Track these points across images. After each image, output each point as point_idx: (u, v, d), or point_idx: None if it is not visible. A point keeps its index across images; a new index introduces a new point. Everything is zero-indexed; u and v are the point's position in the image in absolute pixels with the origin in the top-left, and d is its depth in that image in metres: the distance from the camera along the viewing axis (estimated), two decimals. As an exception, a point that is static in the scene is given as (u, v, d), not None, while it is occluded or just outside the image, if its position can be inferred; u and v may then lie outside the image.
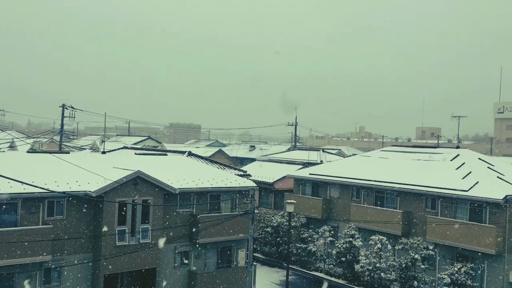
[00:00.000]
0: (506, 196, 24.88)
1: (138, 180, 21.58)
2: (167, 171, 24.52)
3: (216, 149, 71.58)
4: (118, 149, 38.45)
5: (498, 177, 27.71)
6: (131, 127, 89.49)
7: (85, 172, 20.85)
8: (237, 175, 29.07)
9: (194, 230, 23.74)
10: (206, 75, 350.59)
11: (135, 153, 29.44)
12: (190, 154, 31.58)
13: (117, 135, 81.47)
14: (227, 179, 25.73)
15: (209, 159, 33.21)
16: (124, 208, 21.40)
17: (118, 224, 21.18)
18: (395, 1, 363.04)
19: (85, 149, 54.34)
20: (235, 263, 25.92)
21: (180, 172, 25.16)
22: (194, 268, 24.31)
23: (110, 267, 20.89)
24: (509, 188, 26.13)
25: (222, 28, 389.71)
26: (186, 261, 24.18)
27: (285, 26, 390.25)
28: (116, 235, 21.03)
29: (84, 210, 20.83)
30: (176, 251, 23.82)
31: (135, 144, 56.75)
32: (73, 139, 66.62)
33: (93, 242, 21.04)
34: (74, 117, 42.48)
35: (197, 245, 24.27)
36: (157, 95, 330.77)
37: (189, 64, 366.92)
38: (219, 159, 56.30)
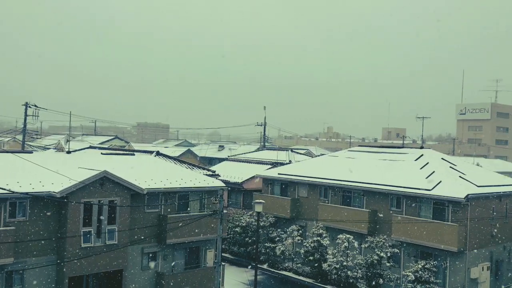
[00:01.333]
0: (468, 195, 25.67)
1: (104, 180, 21.21)
2: (135, 171, 24.20)
3: (185, 149, 71.09)
4: (84, 148, 37.70)
5: (460, 176, 28.58)
6: (97, 126, 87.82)
7: (49, 172, 20.34)
8: (206, 175, 28.96)
9: (162, 230, 23.52)
10: (174, 74, 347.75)
11: (102, 153, 28.93)
12: (158, 154, 31.25)
13: (83, 134, 79.87)
14: (195, 179, 25.60)
15: (178, 159, 32.95)
16: (90, 209, 20.99)
17: (84, 225, 20.77)
18: (372, 3, 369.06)
19: (49, 148, 53.05)
20: (203, 264, 25.81)
21: (148, 172, 24.88)
22: (162, 269, 24.07)
23: (75, 269, 20.46)
24: (471, 187, 26.99)
25: (195, 28, 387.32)
26: (153, 262, 23.91)
27: (256, 25, 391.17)
28: (82, 237, 20.61)
29: (48, 212, 20.31)
30: (144, 252, 23.52)
31: (101, 143, 55.80)
32: (37, 138, 64.87)
33: (57, 244, 20.55)
34: (38, 116, 41.43)
35: (165, 246, 24.05)
36: (125, 94, 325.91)
37: (157, 63, 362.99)
38: (187, 159, 55.92)
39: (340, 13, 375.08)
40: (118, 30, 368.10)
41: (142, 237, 23.02)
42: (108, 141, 62.07)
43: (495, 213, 27.89)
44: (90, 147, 40.26)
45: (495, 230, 27.99)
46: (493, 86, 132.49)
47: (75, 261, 20.25)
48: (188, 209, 25.13)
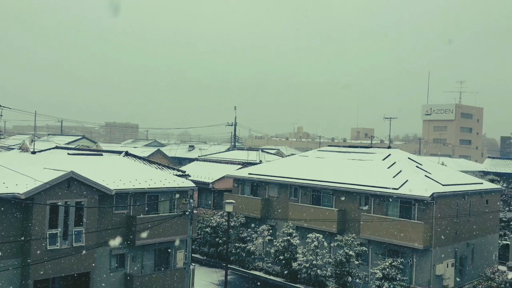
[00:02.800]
0: (433, 193, 26.35)
1: (71, 181, 20.77)
2: (103, 171, 23.79)
3: (155, 149, 70.43)
4: (50, 149, 36.78)
5: (425, 175, 29.29)
6: (64, 126, 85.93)
7: (13, 173, 19.77)
8: (176, 175, 28.74)
9: (131, 232, 23.21)
10: (144, 74, 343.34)
11: (68, 153, 28.32)
12: (127, 154, 30.81)
13: (49, 134, 78.07)
14: (165, 179, 25.37)
15: (147, 159, 32.56)
16: (56, 211, 20.50)
17: (50, 227, 20.27)
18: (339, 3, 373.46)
19: (13, 149, 51.49)
20: (173, 265, 25.61)
21: (117, 172, 24.50)
22: (130, 271, 23.76)
23: (40, 272, 19.94)
24: (436, 186, 27.71)
25: (165, 25, 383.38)
26: (122, 264, 23.58)
27: (226, 25, 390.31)
28: (48, 239, 20.10)
29: (13, 213, 19.72)
30: (112, 254, 23.15)
31: (68, 144, 54.73)
32: (0, 138, 63.00)
33: (22, 246, 19.98)
34: (1, 115, 40.18)
35: (134, 247, 23.75)
36: (93, 93, 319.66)
37: (127, 62, 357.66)
38: (157, 159, 55.42)
39: (312, 15, 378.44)
40: (88, 25, 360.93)
41: (111, 239, 22.64)
42: (75, 141, 60.99)
43: (459, 211, 28.73)
44: (57, 147, 39.32)
45: (459, 228, 28.83)
46: (458, 88, 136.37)
47: (41, 264, 19.75)
48: (158, 209, 24.87)
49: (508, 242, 35.25)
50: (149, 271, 24.49)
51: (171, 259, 25.62)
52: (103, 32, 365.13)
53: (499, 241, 34.61)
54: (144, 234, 23.20)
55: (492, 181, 42.49)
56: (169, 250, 25.54)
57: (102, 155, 29.80)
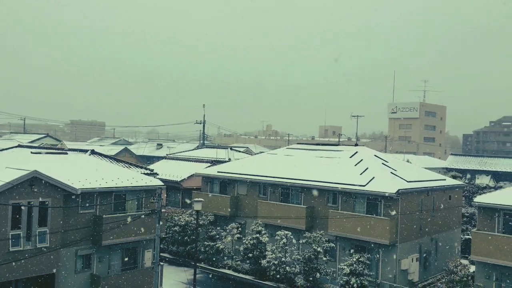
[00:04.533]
0: (399, 190, 26.93)
1: (35, 181, 20.21)
2: (68, 170, 23.27)
3: (122, 147, 69.41)
4: (12, 147, 35.59)
5: (391, 172, 29.89)
6: (27, 124, 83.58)
7: (-28, 173, 19.07)
8: (144, 174, 28.37)
9: (97, 231, 22.77)
10: (111, 71, 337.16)
11: (32, 152, 27.50)
12: (93, 152, 30.19)
13: (11, 132, 75.77)
14: (133, 178, 25.01)
15: (114, 158, 32.01)
16: (19, 211, 19.91)
17: (12, 228, 19.68)
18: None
19: (-27, 147, 49.67)
20: (141, 264, 25.29)
21: (82, 171, 24.00)
22: (97, 272, 23.32)
23: (2, 274, 19.33)
24: (401, 182, 28.32)
25: (136, 25, 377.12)
26: (88, 265, 23.12)
27: (195, 24, 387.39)
28: (10, 240, 19.51)
29: (-28, 214, 19.04)
30: (78, 255, 22.68)
31: (31, 142, 53.24)
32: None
33: (-18, 248, 19.32)
34: (-40, 113, 38.66)
35: (101, 247, 23.32)
36: (58, 90, 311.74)
37: (92, 57, 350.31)
38: (124, 157, 54.60)
39: (280, 16, 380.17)
40: (56, 22, 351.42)
41: (76, 239, 22.17)
42: (39, 139, 59.45)
43: (423, 207, 29.47)
44: (19, 146, 38.01)
45: (424, 223, 29.58)
46: (422, 86, 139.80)
47: (3, 265, 19.15)
48: (125, 209, 24.50)
49: (470, 237, 36.39)
50: (116, 272, 24.11)
51: (139, 258, 25.29)
52: (64, 25, 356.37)
53: (462, 236, 35.71)
54: (111, 234, 22.82)
55: (454, 177, 43.77)
56: (137, 250, 25.20)
57: (67, 153, 29.09)
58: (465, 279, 23.43)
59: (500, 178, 49.87)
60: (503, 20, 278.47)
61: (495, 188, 42.03)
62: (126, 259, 24.73)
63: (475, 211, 29.48)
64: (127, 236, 23.67)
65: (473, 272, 24.76)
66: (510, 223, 23.35)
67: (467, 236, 36.26)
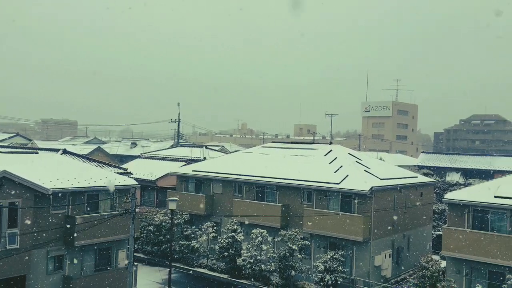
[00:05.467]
0: (372, 187, 27.33)
1: (4, 181, 19.73)
2: (39, 170, 22.76)
3: (95, 146, 68.28)
4: (-20, 147, 34.65)
5: (365, 170, 30.32)
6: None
7: None
8: (118, 173, 28.00)
9: (69, 232, 22.37)
10: (83, 68, 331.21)
11: (0, 151, 26.82)
12: (65, 152, 29.63)
13: (-21, 131, 73.45)
14: (106, 177, 24.66)
15: (87, 157, 31.49)
16: (-12, 212, 19.40)
17: (-20, 230, 19.15)
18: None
19: None
20: (115, 265, 24.96)
21: (54, 171, 23.52)
22: (69, 273, 22.92)
23: (-30, 278, 18.82)
24: (374, 180, 28.75)
25: (108, 20, 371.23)
26: (60, 266, 22.69)
27: (172, 22, 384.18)
28: (-22, 242, 19.00)
29: None
30: (49, 256, 22.24)
31: (0, 141, 51.87)
32: None
33: (-51, 251, 18.76)
34: None
35: (73, 248, 22.92)
36: (28, 88, 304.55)
37: (62, 55, 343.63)
38: (98, 157, 53.71)
39: (257, 16, 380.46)
40: (25, 16, 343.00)
41: (48, 240, 21.73)
42: (8, 138, 58.12)
43: (396, 204, 29.99)
44: (-13, 145, 37.11)
45: (396, 220, 30.09)
46: (394, 85, 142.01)
47: (-29, 269, 18.63)
48: (99, 209, 24.14)
49: (441, 233, 37.20)
50: (89, 273, 23.75)
51: (112, 259, 24.96)
52: (40, 23, 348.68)
53: (433, 232, 36.49)
54: (83, 235, 22.45)
55: (426, 174, 44.69)
56: (111, 250, 24.87)
57: (37, 153, 28.47)
58: (436, 274, 23.91)
59: (470, 175, 51.12)
60: (473, 19, 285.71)
61: (465, 185, 43.05)
62: (100, 259, 24.39)
63: (446, 208, 30.16)
64: (100, 237, 23.33)
65: (444, 267, 25.31)
66: (479, 219, 23.97)
67: (438, 232, 37.05)
